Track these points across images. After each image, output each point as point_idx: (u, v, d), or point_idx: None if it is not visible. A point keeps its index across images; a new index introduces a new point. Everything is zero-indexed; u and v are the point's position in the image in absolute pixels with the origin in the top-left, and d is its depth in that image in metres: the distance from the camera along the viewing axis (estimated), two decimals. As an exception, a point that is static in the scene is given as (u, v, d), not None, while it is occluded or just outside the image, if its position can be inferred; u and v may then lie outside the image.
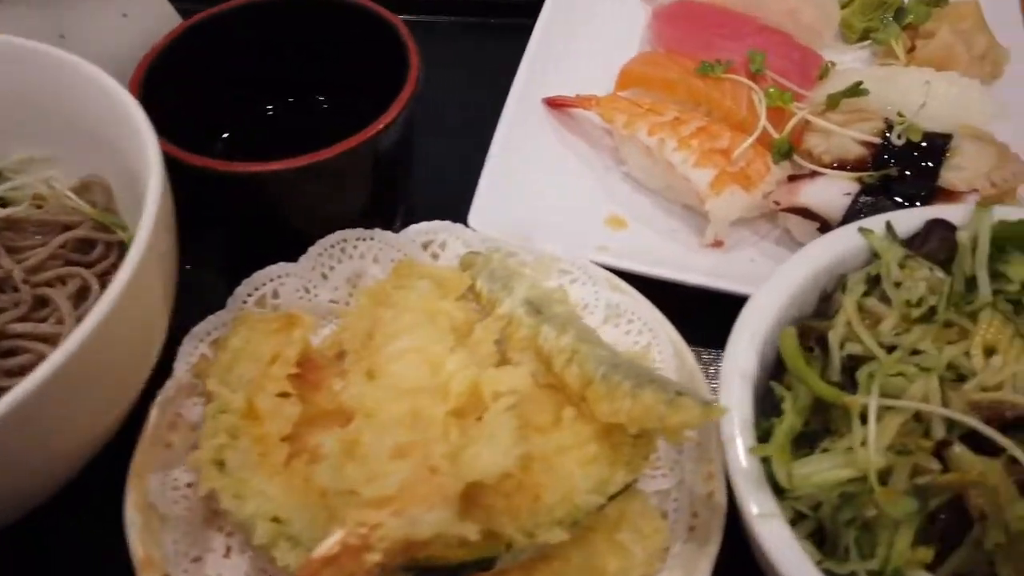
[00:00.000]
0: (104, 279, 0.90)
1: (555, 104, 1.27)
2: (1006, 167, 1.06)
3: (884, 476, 0.71)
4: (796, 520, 0.74)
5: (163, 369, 0.89)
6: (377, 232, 1.01)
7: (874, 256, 0.87)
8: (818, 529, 0.74)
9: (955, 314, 0.80)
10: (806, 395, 0.77)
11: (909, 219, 0.89)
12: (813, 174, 1.10)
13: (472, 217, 1.08)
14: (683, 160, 1.11)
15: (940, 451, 0.71)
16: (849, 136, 1.11)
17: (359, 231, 1.01)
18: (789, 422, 0.74)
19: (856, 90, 1.17)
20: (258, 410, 0.80)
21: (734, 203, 1.09)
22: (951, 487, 0.69)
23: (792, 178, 1.11)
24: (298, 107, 1.20)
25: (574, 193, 1.19)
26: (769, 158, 1.14)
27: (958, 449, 0.70)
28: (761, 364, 0.82)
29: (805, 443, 0.77)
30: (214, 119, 1.14)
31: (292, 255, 0.99)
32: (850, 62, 1.34)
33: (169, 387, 0.89)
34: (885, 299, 0.83)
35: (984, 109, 1.19)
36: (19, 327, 0.84)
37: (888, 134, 1.10)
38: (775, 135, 1.16)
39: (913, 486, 0.70)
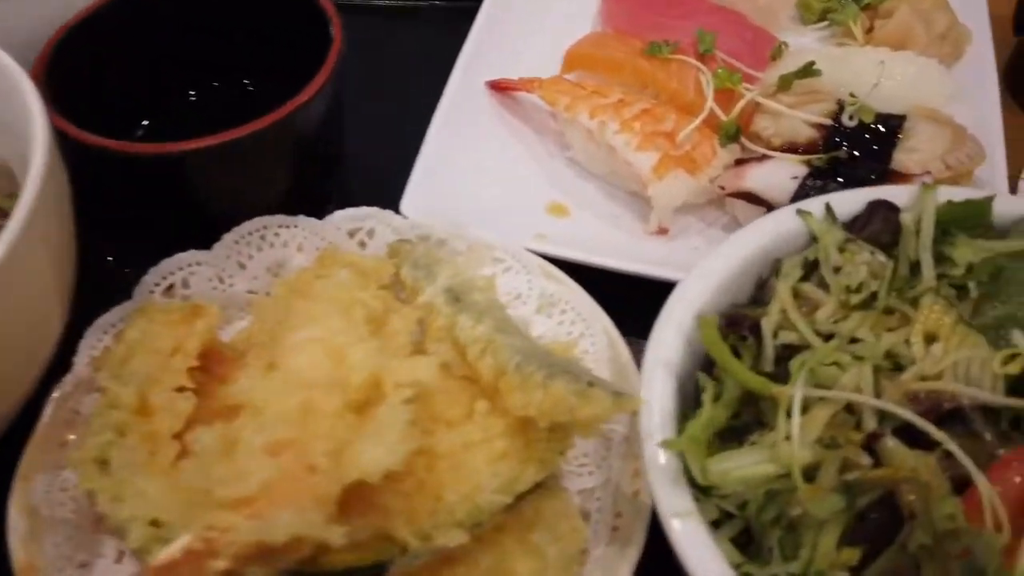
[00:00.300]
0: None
1: (498, 87, 1.21)
2: (961, 149, 1.02)
3: (811, 472, 0.66)
4: (722, 520, 0.69)
5: (64, 363, 0.84)
6: (301, 219, 0.96)
7: (813, 240, 0.82)
8: (746, 530, 0.70)
9: (897, 300, 0.76)
10: (735, 386, 0.73)
11: (851, 201, 0.84)
12: (762, 158, 1.05)
13: (404, 203, 1.03)
14: (625, 143, 1.06)
15: (871, 445, 0.66)
16: (799, 118, 1.06)
17: (280, 218, 0.95)
18: (708, 414, 0.69)
19: (808, 70, 1.12)
20: (150, 406, 0.75)
21: (678, 188, 1.04)
22: (882, 483, 0.64)
23: (740, 162, 1.06)
24: (223, 92, 1.14)
25: (515, 179, 1.14)
26: (716, 141, 1.09)
27: (890, 443, 0.66)
28: (692, 355, 0.77)
29: (734, 437, 0.73)
30: (133, 105, 1.08)
31: (212, 244, 0.93)
32: (808, 44, 1.28)
33: (67, 382, 0.84)
34: (823, 285, 0.79)
35: (942, 90, 1.14)
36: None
37: (839, 115, 1.05)
38: (724, 118, 1.11)
39: (842, 482, 0.65)
